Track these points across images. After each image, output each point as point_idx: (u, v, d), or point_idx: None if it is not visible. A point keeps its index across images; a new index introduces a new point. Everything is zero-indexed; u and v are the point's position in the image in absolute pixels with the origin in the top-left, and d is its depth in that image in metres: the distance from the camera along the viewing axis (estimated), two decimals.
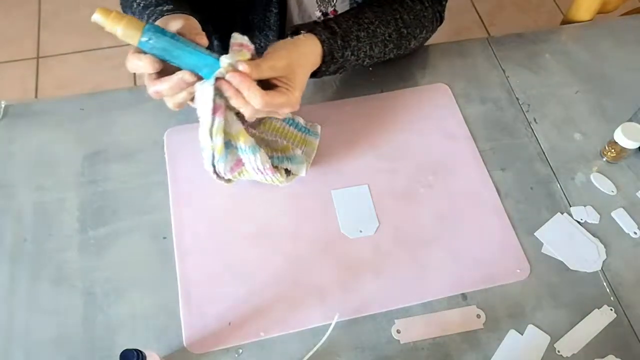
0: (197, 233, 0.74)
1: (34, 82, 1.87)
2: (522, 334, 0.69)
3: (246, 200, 0.76)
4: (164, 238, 0.73)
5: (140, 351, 0.54)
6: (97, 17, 0.57)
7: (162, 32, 0.59)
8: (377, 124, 0.85)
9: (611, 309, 0.71)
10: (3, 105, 0.83)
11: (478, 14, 2.13)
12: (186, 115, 0.83)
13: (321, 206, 0.77)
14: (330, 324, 0.67)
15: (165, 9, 0.67)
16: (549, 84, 0.91)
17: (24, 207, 0.75)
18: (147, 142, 0.81)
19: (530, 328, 0.69)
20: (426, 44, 0.94)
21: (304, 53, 0.69)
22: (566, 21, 1.06)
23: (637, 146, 0.79)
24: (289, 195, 0.77)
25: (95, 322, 0.67)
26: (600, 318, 0.70)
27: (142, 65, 0.59)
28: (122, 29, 0.57)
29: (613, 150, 0.82)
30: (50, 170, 0.78)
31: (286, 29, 0.86)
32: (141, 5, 0.71)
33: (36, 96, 1.84)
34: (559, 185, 0.81)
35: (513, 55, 0.93)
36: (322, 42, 0.71)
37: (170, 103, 0.63)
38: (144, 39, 0.58)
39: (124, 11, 0.76)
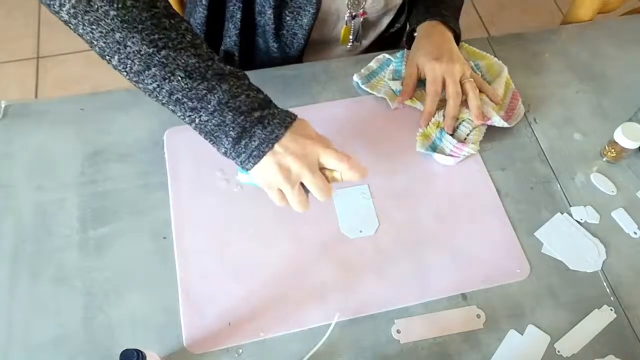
0: (197, 233, 0.73)
1: (34, 82, 1.87)
2: (522, 334, 0.69)
3: (246, 200, 0.76)
4: (164, 238, 0.73)
5: (140, 351, 0.54)
6: None
7: None
8: (377, 123, 0.85)
9: (611, 309, 0.71)
10: (3, 105, 0.83)
11: (478, 14, 2.13)
12: None
13: (321, 206, 0.76)
14: (330, 324, 0.67)
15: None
16: (549, 84, 0.91)
17: (24, 207, 0.75)
18: (147, 142, 0.81)
19: (530, 328, 0.69)
20: None
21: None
22: (566, 21, 1.06)
23: (637, 146, 0.79)
24: None
25: (95, 322, 0.67)
26: (600, 318, 0.70)
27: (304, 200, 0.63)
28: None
29: (613, 150, 0.82)
30: (50, 170, 0.78)
31: (312, 33, 0.86)
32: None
33: (36, 96, 1.84)
34: (559, 185, 0.81)
35: (513, 55, 0.93)
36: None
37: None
38: None
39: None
